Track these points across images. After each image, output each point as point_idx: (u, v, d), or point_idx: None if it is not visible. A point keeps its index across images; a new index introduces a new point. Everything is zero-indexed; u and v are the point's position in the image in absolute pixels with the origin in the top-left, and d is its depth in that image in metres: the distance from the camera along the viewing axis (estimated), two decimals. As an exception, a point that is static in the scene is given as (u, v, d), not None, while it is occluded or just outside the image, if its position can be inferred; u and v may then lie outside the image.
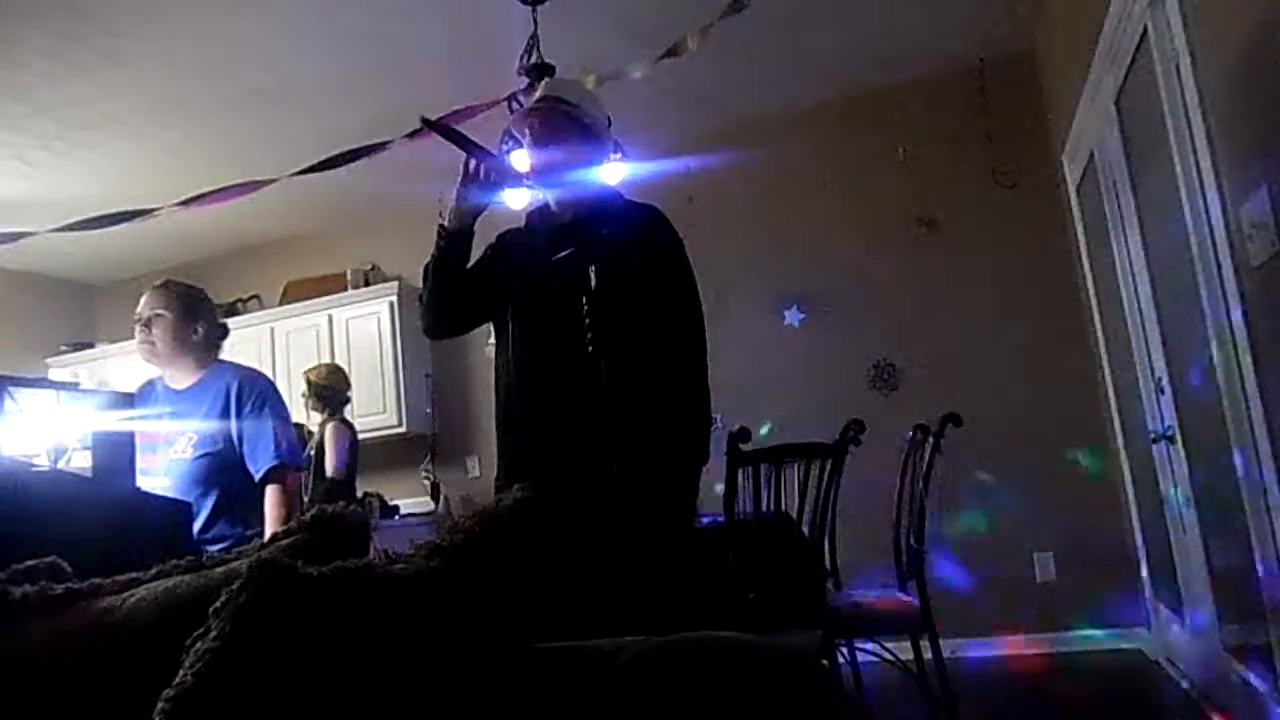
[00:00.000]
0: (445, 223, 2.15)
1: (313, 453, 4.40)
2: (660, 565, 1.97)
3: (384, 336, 5.57)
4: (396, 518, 5.39)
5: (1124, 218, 3.33)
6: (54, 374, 6.10)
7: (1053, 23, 4.06)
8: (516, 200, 3.48)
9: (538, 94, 2.24)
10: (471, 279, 2.22)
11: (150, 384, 2.80)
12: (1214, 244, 2.33)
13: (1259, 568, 2.32)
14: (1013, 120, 4.52)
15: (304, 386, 4.65)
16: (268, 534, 2.54)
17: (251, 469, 2.65)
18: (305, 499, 4.15)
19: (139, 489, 2.26)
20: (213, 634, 0.85)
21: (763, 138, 4.98)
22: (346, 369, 4.97)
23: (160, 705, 0.81)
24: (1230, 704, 2.80)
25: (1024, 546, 4.32)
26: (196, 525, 2.50)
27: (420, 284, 2.28)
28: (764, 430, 2.56)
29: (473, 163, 2.10)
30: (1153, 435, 3.26)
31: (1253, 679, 2.55)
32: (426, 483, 5.56)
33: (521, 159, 2.24)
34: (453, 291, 2.20)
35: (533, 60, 3.45)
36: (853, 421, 2.71)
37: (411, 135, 3.31)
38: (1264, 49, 1.93)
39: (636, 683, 0.91)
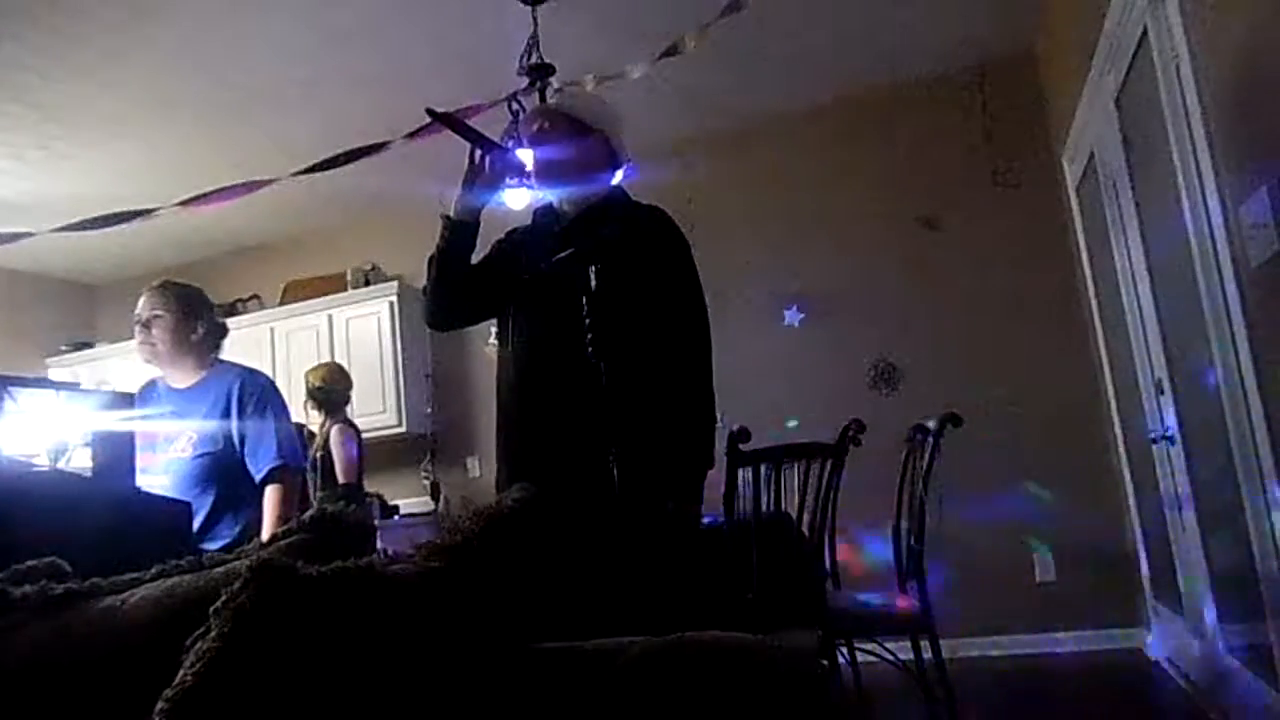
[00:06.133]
0: (450, 213, 2.15)
1: (318, 455, 4.39)
2: (660, 565, 1.97)
3: (384, 336, 5.57)
4: (396, 518, 5.39)
5: (1124, 218, 3.33)
6: (54, 374, 6.10)
7: (1053, 23, 4.06)
8: (517, 200, 3.48)
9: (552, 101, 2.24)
10: (477, 273, 2.21)
11: (152, 383, 2.81)
12: (1214, 244, 2.33)
13: (1259, 568, 2.33)
14: (1013, 120, 4.52)
15: (305, 387, 4.65)
16: (265, 534, 2.55)
17: (252, 469, 2.65)
18: (315, 501, 4.14)
19: (139, 489, 2.26)
20: (213, 634, 0.85)
21: (763, 138, 4.98)
22: (347, 369, 4.96)
23: (160, 705, 0.81)
24: (1230, 704, 2.80)
25: (1024, 546, 4.32)
26: (195, 524, 2.50)
27: (424, 278, 2.27)
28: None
29: (478, 154, 2.10)
30: (1153, 436, 3.26)
31: (1253, 679, 2.55)
32: (426, 483, 5.56)
33: (526, 156, 2.24)
34: (456, 284, 2.19)
35: (533, 60, 3.45)
36: (853, 421, 2.71)
37: (412, 135, 3.32)
38: (1263, 49, 1.93)
39: (637, 683, 0.91)
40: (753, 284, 4.88)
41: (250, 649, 0.84)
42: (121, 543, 1.57)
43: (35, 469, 2.16)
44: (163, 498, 2.31)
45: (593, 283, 1.96)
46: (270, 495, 2.63)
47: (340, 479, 4.36)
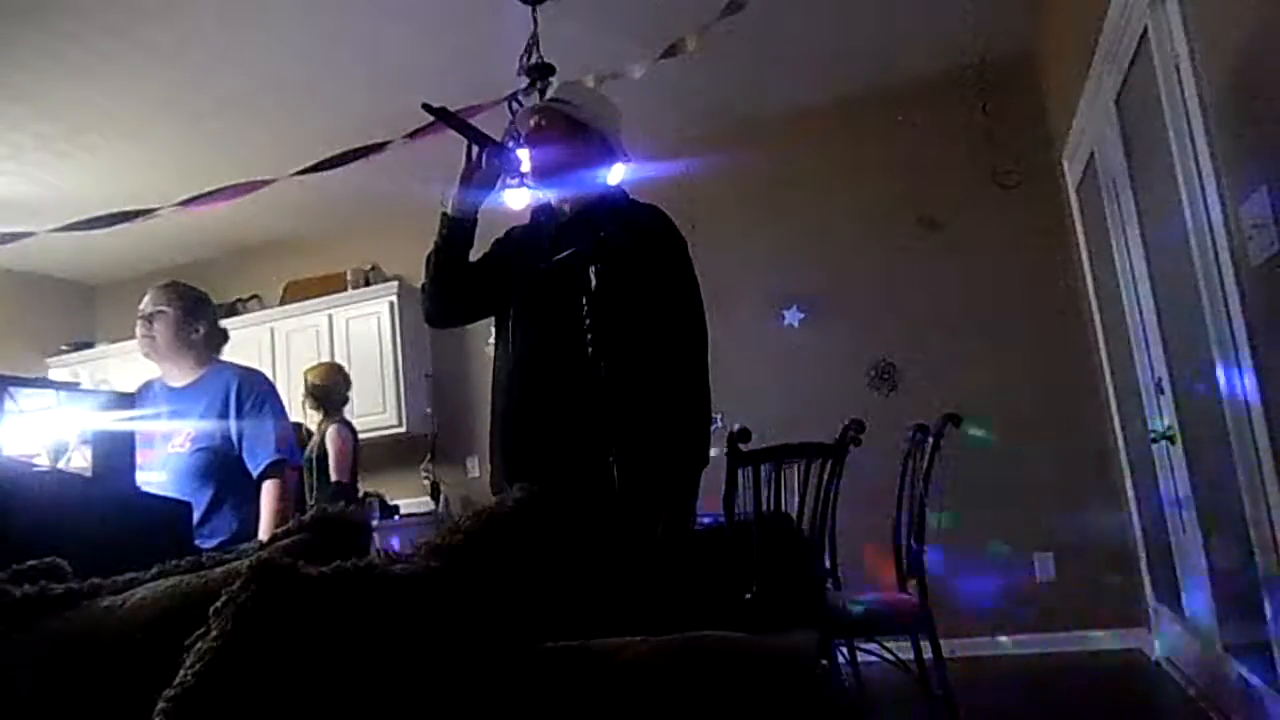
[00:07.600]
0: (448, 209, 2.15)
1: (313, 455, 4.39)
2: (660, 565, 1.97)
3: (384, 336, 5.57)
4: (396, 518, 5.39)
5: (1124, 218, 3.33)
6: (54, 374, 6.10)
7: (1053, 23, 4.06)
8: (516, 200, 3.48)
9: (548, 96, 2.24)
10: (476, 271, 2.21)
11: (149, 384, 2.81)
12: (1214, 244, 2.33)
13: (1259, 568, 2.33)
14: (1013, 120, 4.52)
15: (303, 386, 4.65)
16: (263, 529, 2.56)
17: (250, 466, 2.66)
18: (310, 500, 4.16)
19: (139, 488, 2.26)
20: (213, 634, 0.85)
21: (763, 138, 4.98)
22: (346, 369, 4.96)
23: (160, 705, 0.81)
24: (1230, 704, 2.80)
25: (1024, 546, 4.33)
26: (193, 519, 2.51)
27: (424, 276, 2.27)
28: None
29: (475, 151, 2.10)
30: (1152, 435, 3.26)
31: (1253, 679, 2.55)
32: (426, 483, 5.56)
33: (525, 155, 2.24)
34: (453, 280, 2.19)
35: (533, 60, 3.45)
36: (853, 421, 2.71)
37: (412, 135, 3.31)
38: (1264, 49, 1.93)
39: (636, 683, 0.91)
40: (753, 284, 4.88)
41: (250, 649, 0.84)
42: (121, 543, 1.57)
43: (35, 469, 2.16)
44: (163, 497, 2.31)
45: (593, 283, 1.96)
46: (267, 491, 2.64)
47: (333, 478, 4.36)
